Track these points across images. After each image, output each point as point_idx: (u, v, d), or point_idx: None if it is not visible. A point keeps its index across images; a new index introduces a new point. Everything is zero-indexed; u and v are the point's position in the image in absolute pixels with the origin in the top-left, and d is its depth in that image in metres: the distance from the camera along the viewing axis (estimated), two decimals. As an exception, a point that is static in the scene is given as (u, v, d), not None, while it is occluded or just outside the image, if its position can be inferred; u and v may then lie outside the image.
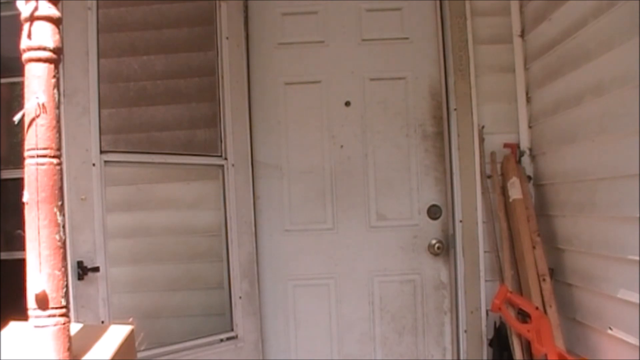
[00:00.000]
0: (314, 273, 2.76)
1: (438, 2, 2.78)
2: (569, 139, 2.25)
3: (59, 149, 1.08)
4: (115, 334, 1.23)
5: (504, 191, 2.54)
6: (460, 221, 2.63)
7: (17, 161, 2.51)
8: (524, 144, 2.65)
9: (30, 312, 1.06)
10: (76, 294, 2.05)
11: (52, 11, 1.08)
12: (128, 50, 2.60)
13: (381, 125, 2.78)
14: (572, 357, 2.12)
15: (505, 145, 2.62)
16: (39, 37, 1.07)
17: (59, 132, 1.08)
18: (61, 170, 1.09)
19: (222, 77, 2.60)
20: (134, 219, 2.65)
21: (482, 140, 2.64)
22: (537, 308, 2.24)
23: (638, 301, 1.73)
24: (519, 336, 2.29)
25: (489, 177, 2.63)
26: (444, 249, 2.72)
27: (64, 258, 1.07)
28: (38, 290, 1.05)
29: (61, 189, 1.08)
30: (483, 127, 2.65)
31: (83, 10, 2.14)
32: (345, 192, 2.76)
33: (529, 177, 2.61)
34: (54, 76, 1.08)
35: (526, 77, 2.66)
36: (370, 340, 2.76)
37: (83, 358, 1.13)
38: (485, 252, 2.62)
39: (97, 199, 2.13)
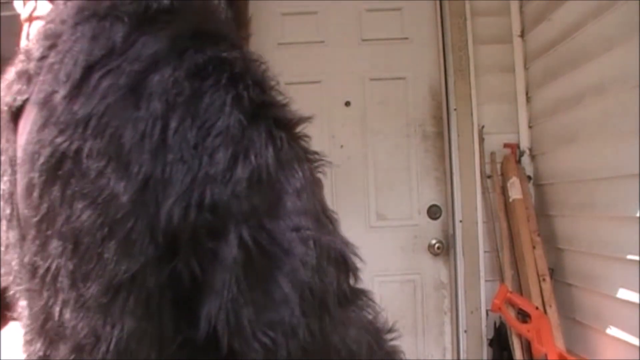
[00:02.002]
0: (314, 273, 2.75)
1: (438, 2, 2.78)
2: (569, 139, 2.25)
3: (58, 149, 1.08)
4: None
5: (504, 191, 2.54)
6: (460, 221, 2.63)
7: (17, 161, 2.51)
8: (524, 144, 2.65)
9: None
10: (76, 294, 2.05)
11: (52, 11, 1.08)
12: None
13: (381, 125, 2.78)
14: (572, 357, 2.12)
15: (505, 145, 2.62)
16: (39, 37, 1.07)
17: (58, 132, 1.08)
18: (61, 170, 1.09)
19: (222, 77, 2.60)
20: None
21: (482, 140, 2.64)
22: (537, 308, 2.24)
23: (638, 301, 1.73)
24: (519, 336, 2.29)
25: (489, 177, 2.63)
26: (444, 249, 2.72)
27: (64, 258, 1.07)
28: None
29: (61, 189, 1.08)
30: (483, 127, 2.65)
31: (83, 10, 2.14)
32: (345, 192, 2.76)
33: (529, 177, 2.61)
34: (54, 76, 1.08)
35: (526, 77, 2.66)
36: (370, 340, 2.75)
37: (83, 358, 1.13)
38: (485, 252, 2.62)
39: (97, 199, 2.14)
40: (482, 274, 2.60)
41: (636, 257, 1.74)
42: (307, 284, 0.55)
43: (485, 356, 2.57)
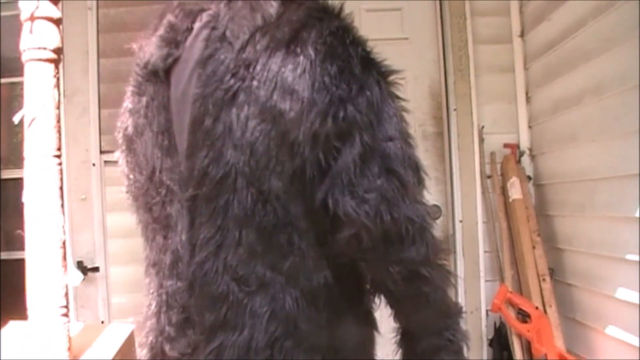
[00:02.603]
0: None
1: (438, 2, 2.78)
2: (569, 139, 2.25)
3: (59, 149, 1.08)
4: (116, 334, 1.23)
5: (504, 191, 2.54)
6: (460, 221, 2.63)
7: (17, 161, 2.51)
8: (524, 144, 2.65)
9: (30, 312, 1.06)
10: (76, 294, 2.05)
11: (53, 11, 1.08)
12: (128, 50, 2.60)
13: (381, 125, 2.77)
14: (572, 357, 2.12)
15: (505, 145, 2.62)
16: (39, 37, 1.07)
17: (59, 132, 1.08)
18: (61, 170, 1.09)
19: (222, 77, 2.60)
20: (134, 219, 2.65)
21: (482, 140, 2.64)
22: (537, 308, 2.24)
23: (638, 301, 1.73)
24: (519, 336, 2.29)
25: (489, 177, 2.63)
26: (444, 249, 2.72)
27: (64, 258, 1.07)
28: (38, 290, 1.05)
29: (61, 189, 1.08)
30: (483, 127, 2.65)
31: (83, 10, 2.14)
32: (345, 192, 2.76)
33: (529, 177, 2.61)
34: (54, 76, 1.08)
35: (526, 77, 2.66)
36: (370, 340, 2.75)
37: (83, 358, 1.13)
38: (485, 252, 2.62)
39: (97, 199, 2.14)
40: (482, 274, 2.61)
41: (636, 257, 1.74)
42: (394, 172, 0.88)
43: (485, 356, 2.57)
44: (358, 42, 0.94)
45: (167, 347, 1.05)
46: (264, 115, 0.88)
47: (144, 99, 1.05)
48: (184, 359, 1.03)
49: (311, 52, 0.89)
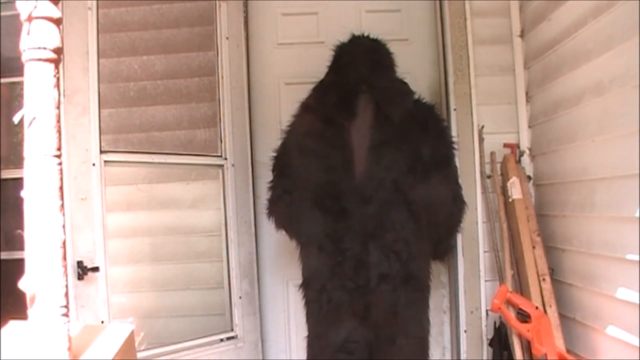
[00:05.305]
0: (314, 273, 2.76)
1: (437, 3, 2.78)
2: (568, 138, 2.25)
3: (59, 149, 1.08)
4: (116, 334, 1.23)
5: (504, 191, 2.54)
6: (460, 221, 2.63)
7: (17, 161, 2.51)
8: (524, 144, 2.65)
9: (30, 312, 1.06)
10: (76, 294, 2.05)
11: (52, 11, 1.08)
12: (128, 50, 2.60)
13: (381, 125, 2.77)
14: (572, 357, 2.12)
15: (505, 145, 2.62)
16: (39, 37, 1.07)
17: (59, 132, 1.08)
18: (61, 170, 1.09)
19: (222, 77, 2.60)
20: (134, 219, 2.65)
21: (481, 140, 2.64)
22: (537, 308, 2.24)
23: (638, 301, 1.73)
24: (519, 336, 2.29)
25: (489, 177, 2.63)
26: (444, 249, 2.74)
27: (64, 258, 1.07)
28: (37, 290, 1.05)
29: (61, 189, 1.08)
30: (483, 127, 2.64)
31: (83, 10, 2.14)
32: (345, 192, 2.76)
33: (529, 177, 2.61)
34: (54, 76, 1.08)
35: (526, 77, 2.65)
36: (370, 340, 2.74)
37: (83, 358, 1.13)
38: (485, 252, 2.61)
39: (97, 199, 2.13)
40: (482, 274, 2.60)
41: (636, 257, 1.74)
42: (457, 182, 2.30)
43: (485, 356, 2.56)
44: (448, 132, 2.26)
45: (346, 283, 2.01)
46: (413, 160, 2.03)
47: (330, 135, 2.07)
48: (359, 289, 2.01)
49: (433, 131, 2.12)
